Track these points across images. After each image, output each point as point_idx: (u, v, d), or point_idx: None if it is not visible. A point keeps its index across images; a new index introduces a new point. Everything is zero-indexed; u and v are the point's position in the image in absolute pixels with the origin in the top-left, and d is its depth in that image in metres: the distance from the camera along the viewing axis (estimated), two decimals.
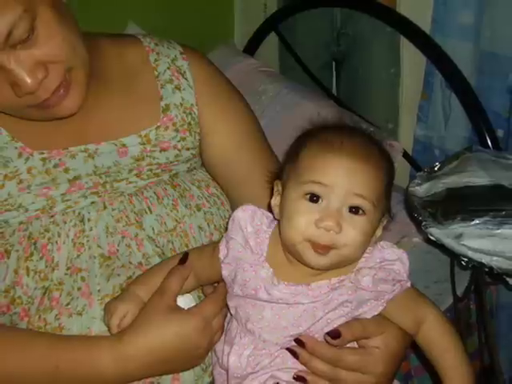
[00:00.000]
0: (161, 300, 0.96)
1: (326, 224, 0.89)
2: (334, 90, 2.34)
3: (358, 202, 0.90)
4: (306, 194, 0.91)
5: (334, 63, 2.28)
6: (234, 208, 1.10)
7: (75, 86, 0.95)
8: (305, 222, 0.90)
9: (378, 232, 0.95)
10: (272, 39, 2.25)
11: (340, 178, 0.89)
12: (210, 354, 1.05)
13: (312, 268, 0.94)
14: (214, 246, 1.01)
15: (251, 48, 2.26)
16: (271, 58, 2.32)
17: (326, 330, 0.94)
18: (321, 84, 2.18)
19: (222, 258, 0.98)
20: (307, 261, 0.92)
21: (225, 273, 0.98)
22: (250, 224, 0.97)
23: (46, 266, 0.98)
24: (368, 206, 0.90)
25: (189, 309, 1.00)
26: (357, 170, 0.89)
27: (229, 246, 0.97)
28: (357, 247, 0.91)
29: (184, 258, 0.99)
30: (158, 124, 1.08)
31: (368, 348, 0.99)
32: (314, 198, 0.91)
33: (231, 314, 1.03)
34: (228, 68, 1.90)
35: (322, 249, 0.90)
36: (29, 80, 0.88)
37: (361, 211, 0.90)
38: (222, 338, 1.05)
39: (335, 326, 0.94)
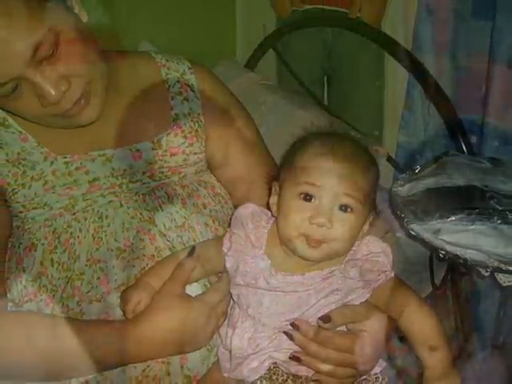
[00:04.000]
0: (171, 288, 0.95)
1: (319, 220, 0.89)
2: (325, 101, 2.34)
3: (346, 200, 0.89)
4: (301, 194, 0.91)
5: (325, 77, 2.27)
6: (236, 206, 1.10)
7: (94, 97, 0.95)
8: (299, 218, 0.90)
9: (365, 227, 0.95)
10: (270, 56, 2.25)
11: (331, 179, 0.89)
12: (214, 336, 1.05)
13: (306, 260, 0.94)
14: (219, 239, 1.01)
15: (252, 64, 2.25)
16: (270, 72, 2.32)
17: (319, 315, 0.94)
18: (314, 95, 2.17)
19: (225, 250, 0.98)
20: (301, 253, 0.92)
21: (228, 264, 0.98)
22: (251, 221, 0.97)
23: (69, 258, 0.98)
24: (356, 204, 0.90)
25: (196, 296, 1.00)
26: (346, 173, 0.89)
27: (232, 240, 0.97)
28: (346, 241, 0.91)
29: (191, 251, 0.99)
30: (169, 131, 1.08)
31: (356, 331, 0.99)
32: (308, 198, 0.91)
33: (234, 301, 1.03)
34: (231, 81, 1.90)
35: (315, 243, 0.90)
36: (53, 92, 0.89)
37: (349, 209, 0.90)
38: (226, 322, 1.05)
39: (327, 311, 0.93)
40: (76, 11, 0.98)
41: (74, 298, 0.97)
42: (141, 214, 1.04)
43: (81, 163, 1.02)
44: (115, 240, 1.00)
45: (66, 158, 1.02)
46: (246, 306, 0.97)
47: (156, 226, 1.04)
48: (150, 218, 1.04)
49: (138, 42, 2.29)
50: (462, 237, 1.47)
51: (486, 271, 1.50)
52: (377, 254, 0.94)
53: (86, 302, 0.98)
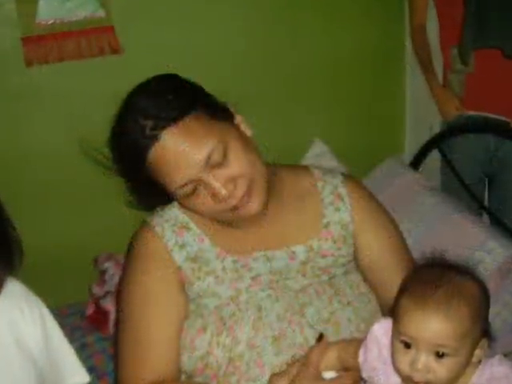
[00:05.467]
0: (307, 370, 1.03)
1: (416, 368, 0.88)
2: (486, 202, 2.35)
3: (442, 349, 0.88)
4: (401, 341, 0.91)
5: (486, 180, 2.32)
6: (380, 304, 1.21)
7: (255, 193, 1.11)
8: (402, 363, 0.90)
9: (478, 352, 0.91)
10: (435, 156, 2.31)
11: (424, 333, 0.88)
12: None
13: None
14: (358, 344, 1.02)
15: (417, 162, 2.30)
16: (433, 171, 2.37)
17: None
18: (475, 197, 2.18)
19: (360, 362, 1.01)
20: None
21: (363, 374, 1.01)
22: (385, 336, 0.98)
23: (232, 342, 1.12)
24: (452, 350, 0.87)
25: (330, 379, 1.05)
26: (437, 327, 0.88)
27: (367, 356, 0.99)
28: (448, 379, 0.89)
29: (319, 338, 1.07)
30: (320, 237, 1.20)
31: None
32: (407, 345, 0.90)
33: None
34: (394, 179, 2.01)
35: None
36: (223, 191, 1.07)
37: (445, 355, 0.89)
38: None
39: None
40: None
41: (234, 375, 1.12)
42: (293, 307, 1.15)
43: (245, 262, 1.18)
44: (270, 329, 1.13)
45: (234, 257, 1.17)
46: None
47: (305, 318, 1.15)
48: (300, 311, 1.15)
49: (311, 139, 2.40)
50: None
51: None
52: (499, 379, 0.94)
53: (243, 380, 1.11)
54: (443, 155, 2.18)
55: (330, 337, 1.09)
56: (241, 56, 2.24)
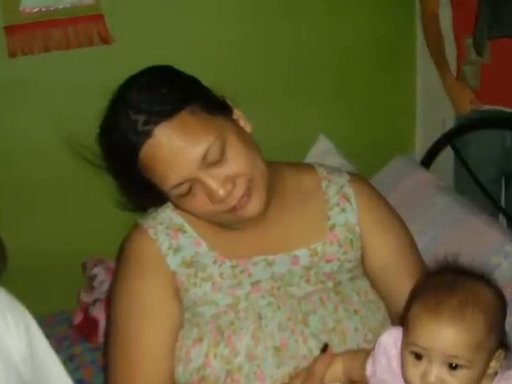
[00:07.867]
0: (310, 383, 1.03)
1: (429, 381, 0.89)
2: (502, 202, 2.34)
3: (455, 360, 0.88)
4: (411, 352, 0.91)
5: (503, 178, 2.31)
6: (388, 312, 1.21)
7: (256, 193, 1.10)
8: (413, 375, 0.91)
9: (493, 364, 0.92)
10: (448, 153, 2.29)
11: (437, 342, 0.88)
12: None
13: None
14: (366, 356, 1.02)
15: (428, 159, 2.28)
16: (446, 170, 2.36)
17: None
18: (490, 196, 2.15)
19: (368, 375, 1.01)
20: None
21: None
22: (394, 346, 0.98)
23: (230, 353, 1.11)
24: (465, 362, 0.88)
25: None
26: (450, 337, 0.88)
27: (375, 368, 0.99)
28: None
29: (324, 349, 1.07)
30: (325, 240, 1.20)
31: None
32: (418, 357, 0.90)
33: None
34: (405, 179, 2.01)
35: None
36: (221, 191, 1.06)
37: (459, 367, 0.90)
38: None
39: None
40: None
41: None
42: (296, 316, 1.15)
43: (245, 267, 1.17)
44: (272, 339, 1.13)
45: (232, 262, 1.16)
46: None
47: (309, 328, 1.14)
48: (304, 320, 1.15)
49: (314, 135, 2.42)
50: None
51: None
52: None
53: None
54: (456, 152, 2.18)
55: (336, 347, 1.09)
56: (239, 46, 2.24)
